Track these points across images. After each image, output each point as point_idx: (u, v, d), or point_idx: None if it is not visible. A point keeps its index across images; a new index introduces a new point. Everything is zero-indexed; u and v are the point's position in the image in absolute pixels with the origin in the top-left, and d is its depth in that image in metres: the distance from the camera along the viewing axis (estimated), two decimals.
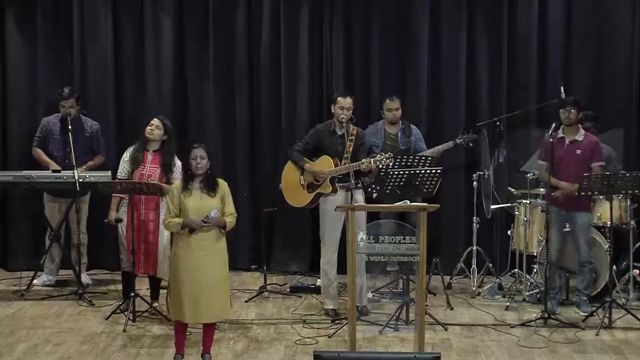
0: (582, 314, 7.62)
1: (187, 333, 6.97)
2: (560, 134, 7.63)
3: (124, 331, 7.09)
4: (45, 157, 8.46)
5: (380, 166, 7.35)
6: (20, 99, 9.30)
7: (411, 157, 7.90)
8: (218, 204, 6.26)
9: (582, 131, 7.72)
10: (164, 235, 7.43)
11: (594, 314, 7.39)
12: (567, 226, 7.69)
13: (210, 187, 6.28)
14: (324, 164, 7.54)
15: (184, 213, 6.24)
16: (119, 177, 7.56)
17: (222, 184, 6.36)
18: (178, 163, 7.43)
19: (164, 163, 7.49)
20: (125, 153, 7.65)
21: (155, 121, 7.57)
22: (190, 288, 6.16)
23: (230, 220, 6.32)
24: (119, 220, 7.52)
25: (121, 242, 7.58)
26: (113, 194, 7.57)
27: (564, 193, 7.55)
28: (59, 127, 8.46)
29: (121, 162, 7.63)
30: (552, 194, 7.61)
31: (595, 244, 7.97)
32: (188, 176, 6.31)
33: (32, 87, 9.31)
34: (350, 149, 7.46)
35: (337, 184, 7.50)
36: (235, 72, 9.35)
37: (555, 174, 7.57)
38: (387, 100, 8.45)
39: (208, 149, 6.38)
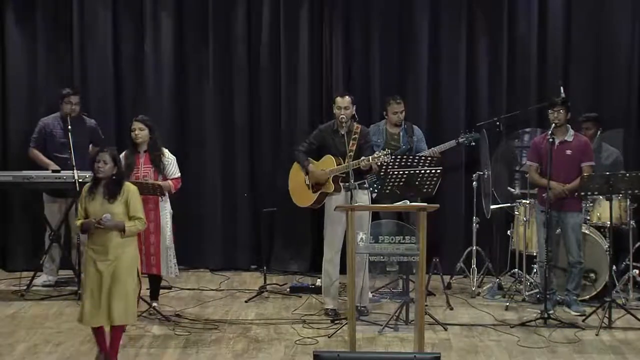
0: (573, 313, 7.64)
1: (187, 333, 7.01)
2: (549, 134, 7.61)
3: (124, 331, 7.07)
4: (43, 158, 8.46)
5: (379, 163, 7.36)
6: (20, 99, 9.30)
7: (411, 157, 7.90)
8: (120, 209, 6.17)
9: (572, 131, 7.73)
10: (166, 234, 7.50)
11: (595, 313, 7.39)
12: (558, 230, 7.75)
13: (111, 194, 6.19)
14: (327, 164, 7.55)
15: (88, 217, 6.20)
16: None
17: (129, 188, 6.26)
18: (167, 154, 7.57)
19: (153, 160, 7.52)
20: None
21: (137, 124, 7.53)
22: (91, 291, 6.11)
23: (133, 223, 6.20)
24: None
25: None
26: None
27: (555, 193, 7.56)
28: (60, 127, 8.47)
29: None
30: (544, 194, 7.61)
31: (595, 244, 7.98)
32: (95, 179, 6.24)
33: (32, 87, 9.32)
34: (353, 147, 7.46)
35: (340, 183, 7.50)
36: (235, 73, 9.35)
37: (545, 174, 7.57)
38: (393, 103, 8.43)
39: (116, 154, 6.29)
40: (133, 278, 6.26)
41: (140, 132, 7.51)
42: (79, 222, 6.23)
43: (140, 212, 6.28)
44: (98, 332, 6.26)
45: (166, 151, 7.61)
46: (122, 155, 7.60)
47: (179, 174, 7.62)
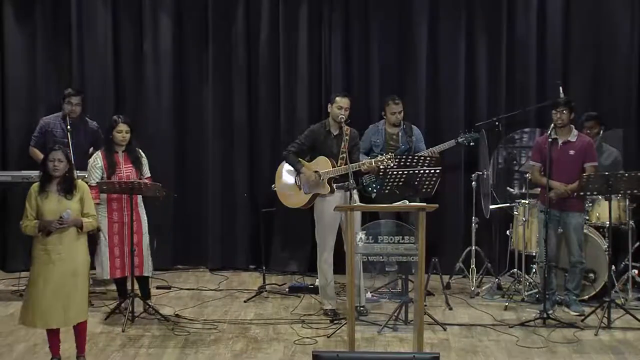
0: (572, 313, 7.64)
1: (186, 333, 7.02)
2: (553, 135, 7.61)
3: (123, 331, 7.10)
4: (41, 157, 8.45)
5: (381, 166, 7.35)
6: (20, 98, 9.29)
7: (410, 157, 7.90)
8: (77, 206, 6.19)
9: (575, 132, 7.73)
10: (146, 232, 7.53)
11: (594, 313, 7.39)
12: (560, 229, 7.75)
13: (67, 190, 6.19)
14: (322, 165, 7.53)
15: (41, 216, 6.15)
16: (92, 184, 7.37)
17: (81, 186, 6.29)
18: (142, 154, 7.63)
19: (134, 160, 7.55)
20: (94, 159, 7.58)
21: (124, 127, 7.53)
22: (46, 293, 6.07)
23: (89, 220, 6.23)
24: (99, 229, 7.47)
25: (101, 248, 7.51)
26: None
27: (557, 193, 7.56)
28: (60, 127, 8.46)
29: (92, 169, 7.54)
30: (546, 194, 7.61)
31: (594, 244, 7.98)
32: (45, 178, 6.22)
33: (31, 87, 9.31)
34: (345, 149, 7.45)
35: (334, 185, 7.50)
36: (234, 72, 9.36)
37: (547, 174, 7.57)
38: (391, 104, 8.42)
39: (68, 153, 6.31)
40: (88, 275, 6.30)
41: (127, 134, 7.54)
42: (34, 223, 6.13)
43: (93, 210, 6.33)
44: (53, 335, 6.24)
45: (140, 151, 7.66)
46: (97, 155, 7.59)
47: (150, 174, 7.69)
